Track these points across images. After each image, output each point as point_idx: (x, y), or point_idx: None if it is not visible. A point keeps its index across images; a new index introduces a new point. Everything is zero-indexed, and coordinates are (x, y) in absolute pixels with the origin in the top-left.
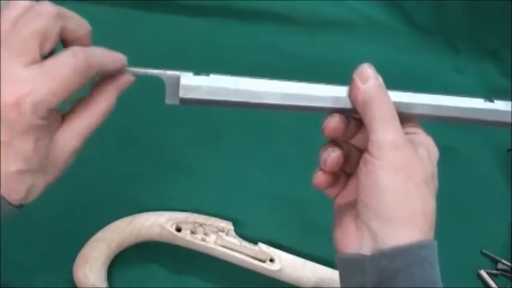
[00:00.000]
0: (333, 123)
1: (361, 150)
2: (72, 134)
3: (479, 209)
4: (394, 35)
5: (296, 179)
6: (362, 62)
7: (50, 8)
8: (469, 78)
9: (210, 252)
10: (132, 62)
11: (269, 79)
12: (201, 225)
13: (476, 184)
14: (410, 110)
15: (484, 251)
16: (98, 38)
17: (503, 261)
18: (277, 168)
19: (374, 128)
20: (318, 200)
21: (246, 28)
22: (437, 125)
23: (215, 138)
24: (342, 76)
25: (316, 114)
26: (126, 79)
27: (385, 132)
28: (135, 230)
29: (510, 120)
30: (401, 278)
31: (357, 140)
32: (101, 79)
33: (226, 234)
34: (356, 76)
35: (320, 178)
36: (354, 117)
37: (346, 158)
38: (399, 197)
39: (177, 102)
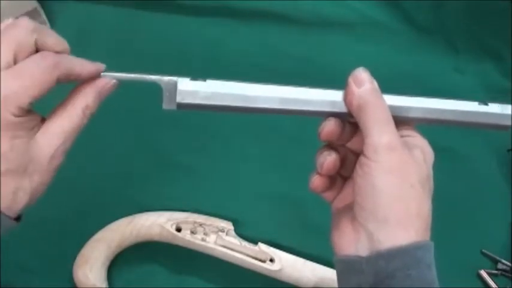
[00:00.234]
0: (329, 127)
1: (357, 154)
2: (53, 134)
3: (479, 209)
4: (394, 35)
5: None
6: (362, 62)
7: (26, 22)
8: (469, 78)
9: (210, 252)
10: (132, 62)
11: (265, 84)
12: (201, 225)
13: (476, 184)
14: (405, 114)
15: (484, 251)
16: (98, 38)
17: (503, 261)
18: (277, 168)
19: (369, 131)
20: (318, 200)
21: (246, 28)
22: (437, 126)
23: (215, 138)
24: (342, 76)
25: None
26: (104, 81)
27: (381, 135)
28: (135, 230)
29: (504, 123)
30: (398, 278)
31: (353, 144)
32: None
33: (226, 234)
34: (351, 80)
35: (317, 182)
36: (350, 121)
37: (343, 161)
38: (395, 199)
39: (174, 107)
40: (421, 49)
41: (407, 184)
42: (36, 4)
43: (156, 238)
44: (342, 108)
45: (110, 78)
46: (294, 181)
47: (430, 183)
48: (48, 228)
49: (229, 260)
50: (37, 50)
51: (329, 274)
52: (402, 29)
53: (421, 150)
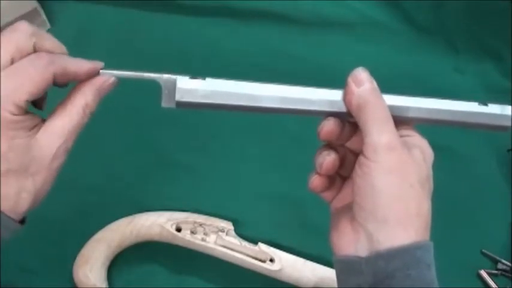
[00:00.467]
0: (328, 126)
1: (357, 154)
2: (54, 133)
3: (479, 209)
4: (394, 35)
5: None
6: (362, 62)
7: (26, 26)
8: (469, 78)
9: (210, 252)
10: (131, 61)
11: (265, 83)
12: (201, 225)
13: (476, 184)
14: (405, 114)
15: (484, 251)
16: (98, 38)
17: (503, 261)
18: (277, 168)
19: (369, 131)
20: (318, 200)
21: (246, 28)
22: (436, 126)
23: (215, 138)
24: (342, 76)
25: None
26: (102, 79)
27: (380, 135)
28: (135, 230)
29: (505, 124)
30: (397, 278)
31: (352, 144)
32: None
33: (226, 234)
34: (350, 80)
35: (316, 181)
36: (349, 121)
37: (342, 161)
38: (394, 199)
39: (173, 105)
40: (421, 49)
41: (407, 184)
42: (36, 4)
43: (156, 238)
44: (342, 108)
45: (108, 76)
46: (294, 181)
47: (430, 183)
48: (48, 228)
49: (229, 260)
50: None
51: (329, 274)
52: (402, 29)
53: (421, 150)
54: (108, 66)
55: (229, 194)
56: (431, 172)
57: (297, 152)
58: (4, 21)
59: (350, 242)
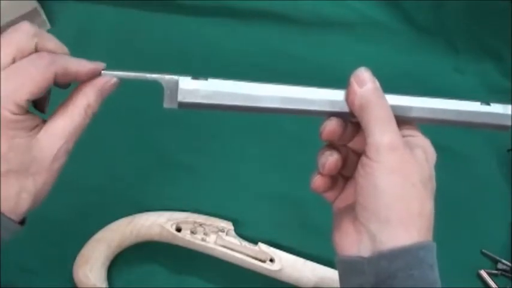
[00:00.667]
0: (330, 126)
1: (359, 154)
2: (55, 133)
3: (479, 209)
4: (394, 35)
5: (296, 179)
6: (362, 62)
7: (27, 27)
8: (469, 78)
9: (210, 252)
10: (132, 62)
11: (267, 83)
12: (201, 225)
13: (476, 184)
14: (407, 113)
15: (484, 251)
16: (98, 38)
17: (503, 261)
18: (277, 168)
19: (371, 131)
20: (318, 201)
21: (246, 28)
22: (437, 125)
23: (215, 138)
24: (342, 76)
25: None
26: (104, 79)
27: (382, 135)
28: (135, 230)
29: (507, 123)
30: (400, 278)
31: (354, 144)
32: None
33: (226, 234)
34: (353, 80)
35: (318, 181)
36: (352, 121)
37: (344, 161)
38: (397, 199)
39: (175, 106)
40: (421, 49)
41: (409, 183)
42: (36, 4)
43: (156, 238)
44: (344, 108)
45: (110, 77)
46: (294, 181)
47: (432, 183)
48: (48, 228)
49: (229, 260)
50: None
51: (329, 274)
52: (402, 29)
53: (423, 149)
54: (109, 66)
55: (229, 194)
56: (433, 172)
57: (297, 152)
58: (4, 21)
59: (353, 243)
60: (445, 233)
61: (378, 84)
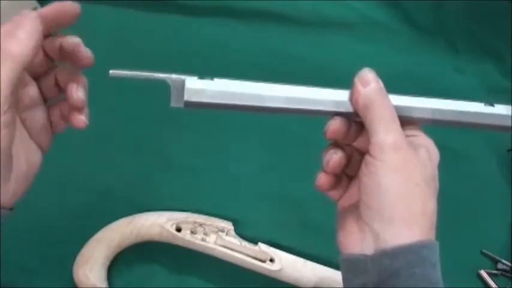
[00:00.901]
0: (334, 125)
1: (363, 153)
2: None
3: (479, 209)
4: (394, 35)
5: (296, 179)
6: (362, 62)
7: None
8: (469, 78)
9: (210, 252)
10: (132, 62)
11: (272, 83)
12: (201, 225)
13: (476, 184)
14: (411, 114)
15: (484, 251)
16: (98, 38)
17: (503, 261)
18: (277, 168)
19: (375, 130)
20: (318, 200)
21: (246, 28)
22: (442, 126)
23: (215, 138)
24: (342, 76)
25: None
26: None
27: (386, 134)
28: (135, 230)
29: (510, 125)
30: (402, 277)
31: (358, 143)
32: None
33: (226, 234)
34: (357, 80)
35: (322, 179)
36: (356, 121)
37: (348, 160)
38: (400, 198)
39: (181, 105)
40: (421, 49)
41: (412, 183)
42: (36, 4)
43: (156, 238)
44: (348, 108)
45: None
46: (294, 181)
47: (436, 183)
48: (48, 229)
49: (229, 260)
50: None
51: (329, 274)
52: (402, 29)
53: (426, 149)
54: (109, 66)
55: (229, 194)
56: (436, 171)
57: (297, 152)
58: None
59: (356, 241)
60: (445, 233)
61: (381, 84)
